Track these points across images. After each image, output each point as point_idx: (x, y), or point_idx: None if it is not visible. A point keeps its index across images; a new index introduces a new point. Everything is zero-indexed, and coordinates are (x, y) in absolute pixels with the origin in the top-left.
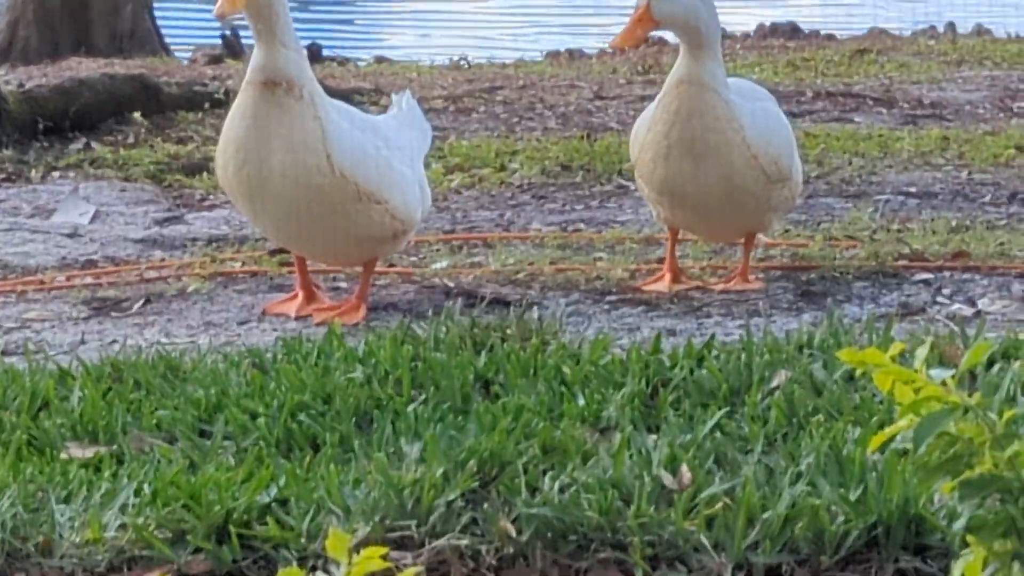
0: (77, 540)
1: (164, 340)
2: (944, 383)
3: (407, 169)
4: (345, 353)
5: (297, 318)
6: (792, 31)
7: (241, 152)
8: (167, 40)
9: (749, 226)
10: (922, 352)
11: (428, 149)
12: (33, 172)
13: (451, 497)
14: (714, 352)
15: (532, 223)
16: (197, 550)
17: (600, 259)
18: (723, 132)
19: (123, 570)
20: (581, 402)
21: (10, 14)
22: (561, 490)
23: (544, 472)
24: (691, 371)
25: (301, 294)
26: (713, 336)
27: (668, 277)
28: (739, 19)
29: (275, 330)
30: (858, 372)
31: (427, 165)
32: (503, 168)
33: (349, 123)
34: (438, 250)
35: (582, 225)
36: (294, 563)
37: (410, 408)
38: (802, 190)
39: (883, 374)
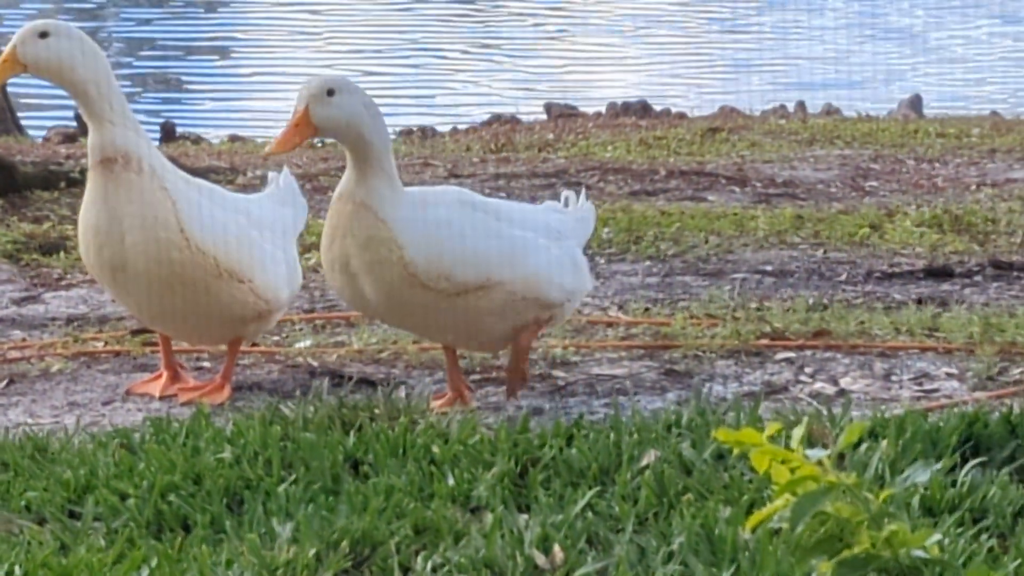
0: None
1: (29, 420)
2: (820, 463)
3: (273, 247)
4: (214, 433)
5: (162, 398)
6: (643, 109)
7: (98, 235)
8: (20, 118)
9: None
10: (798, 432)
11: (301, 226)
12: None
13: None
14: (583, 431)
15: None
16: None
17: None
18: (376, 251)
19: None
20: (451, 482)
21: None
22: (434, 570)
23: (416, 552)
24: (560, 450)
25: (165, 374)
26: (581, 415)
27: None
28: (591, 94)
29: (140, 410)
30: (732, 451)
31: None
32: None
33: (208, 199)
34: (301, 329)
35: None
36: None
37: (281, 488)
38: (575, 304)
39: (760, 454)
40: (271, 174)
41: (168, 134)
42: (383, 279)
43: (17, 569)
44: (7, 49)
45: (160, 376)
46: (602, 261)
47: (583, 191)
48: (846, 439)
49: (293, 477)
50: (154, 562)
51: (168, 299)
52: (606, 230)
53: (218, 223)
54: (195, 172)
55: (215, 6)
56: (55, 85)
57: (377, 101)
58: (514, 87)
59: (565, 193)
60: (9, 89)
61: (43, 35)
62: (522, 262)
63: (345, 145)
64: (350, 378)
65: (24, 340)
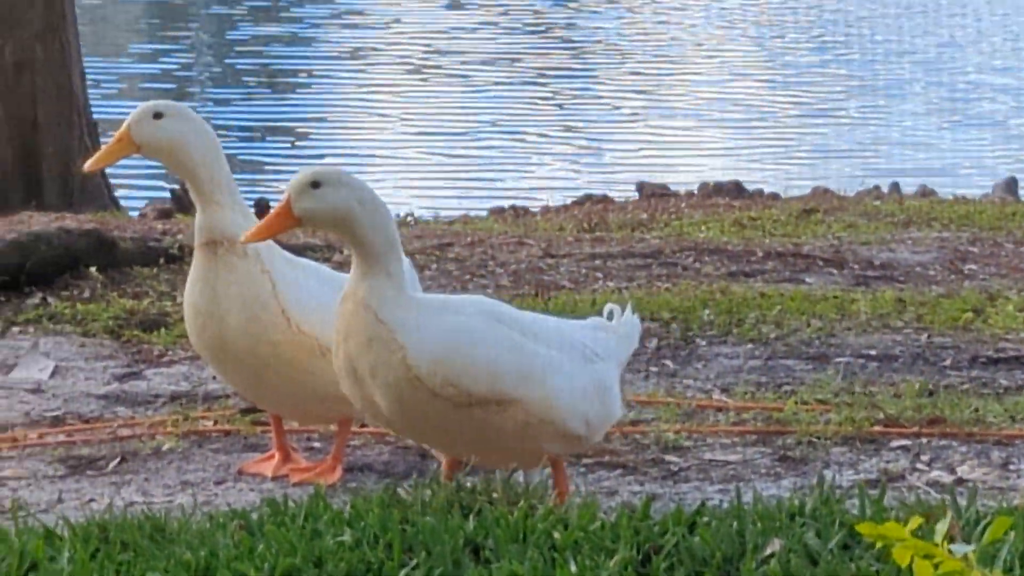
0: None
1: (141, 499)
2: (966, 558)
3: None
4: (332, 516)
5: (274, 478)
6: (736, 189)
7: (200, 316)
8: (117, 194)
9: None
10: (942, 527)
11: None
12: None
13: None
14: (705, 518)
15: None
16: None
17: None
18: (378, 352)
19: None
20: (574, 568)
21: None
22: None
23: None
24: (683, 537)
25: (277, 454)
26: (703, 503)
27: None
28: (682, 177)
29: (252, 490)
30: (859, 541)
31: None
32: None
33: (310, 279)
34: None
35: None
36: None
37: (403, 572)
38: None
39: (902, 548)
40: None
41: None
42: (388, 383)
43: None
44: (121, 129)
45: (272, 456)
46: (703, 343)
47: (628, 305)
48: (992, 533)
49: (415, 562)
50: None
51: (271, 378)
52: (707, 311)
53: (319, 303)
54: (292, 249)
55: (291, 87)
56: (166, 167)
57: (457, 183)
58: (597, 169)
59: (610, 306)
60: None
61: (157, 116)
62: (540, 381)
63: (344, 240)
64: (466, 463)
65: (132, 417)
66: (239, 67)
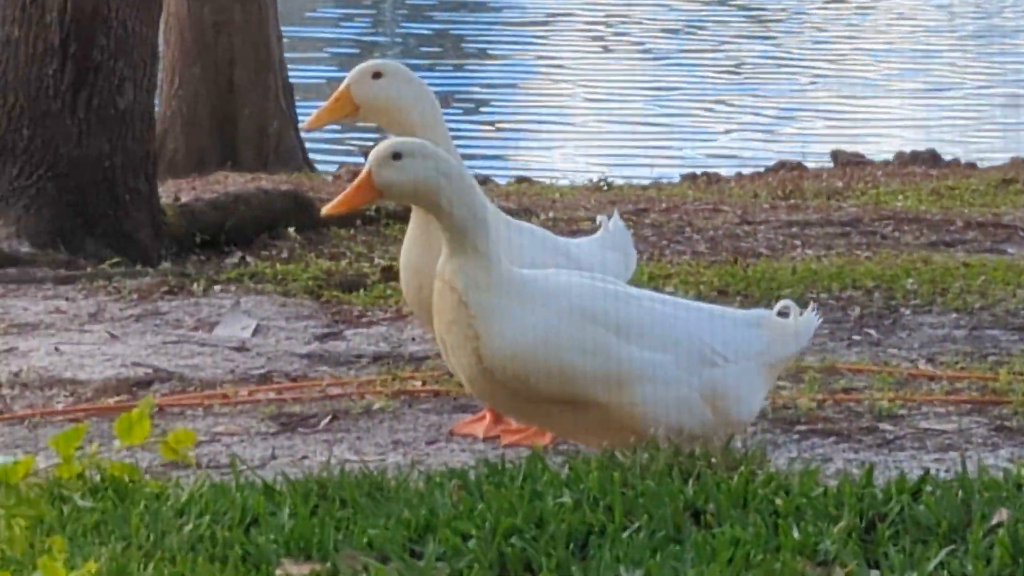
0: None
1: (354, 457)
2: None
3: None
4: (550, 477)
5: (485, 439)
6: (932, 159)
7: (418, 275)
8: (313, 157)
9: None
10: None
11: (631, 274)
12: (195, 285)
13: None
14: (928, 487)
15: None
16: None
17: (784, 388)
18: (456, 335)
19: None
20: (796, 535)
21: (159, 127)
22: None
23: None
24: (907, 505)
25: (488, 415)
26: (927, 471)
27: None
28: (871, 147)
29: (463, 450)
30: None
31: None
32: (658, 292)
33: (528, 241)
34: None
35: None
36: None
37: (625, 535)
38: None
39: None
40: (600, 218)
41: None
42: (463, 365)
43: None
44: (340, 89)
45: (483, 418)
46: (907, 312)
47: (811, 304)
48: None
49: (636, 525)
50: None
51: None
52: (909, 281)
53: (534, 265)
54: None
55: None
56: (384, 127)
57: (638, 150)
58: (783, 137)
59: (784, 303)
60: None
61: (377, 75)
62: (624, 387)
63: (432, 215)
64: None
65: (340, 377)
66: (422, 33)
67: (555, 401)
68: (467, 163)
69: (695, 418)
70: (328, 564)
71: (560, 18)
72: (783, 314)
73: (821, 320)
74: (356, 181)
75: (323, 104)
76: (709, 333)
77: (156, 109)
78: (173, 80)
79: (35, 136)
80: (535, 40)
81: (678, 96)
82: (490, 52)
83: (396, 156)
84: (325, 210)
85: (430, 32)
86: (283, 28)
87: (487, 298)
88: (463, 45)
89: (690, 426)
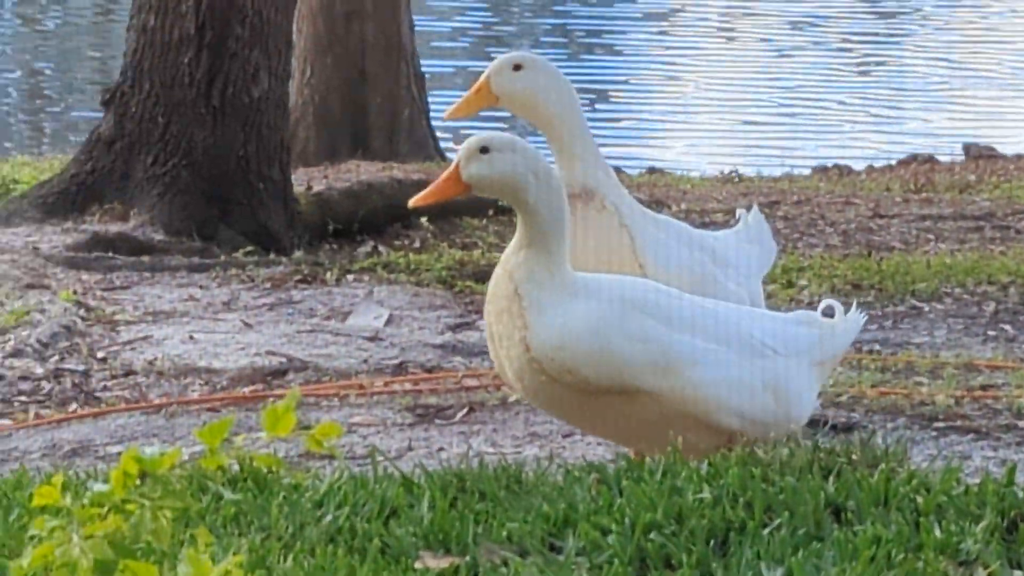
0: None
1: (491, 449)
2: None
3: (735, 286)
4: (690, 473)
5: None
6: None
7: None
8: (444, 146)
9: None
10: None
11: (769, 266)
12: (328, 274)
13: None
14: None
15: None
16: None
17: (921, 384)
18: (505, 324)
19: None
20: (938, 534)
21: (291, 116)
22: None
23: None
24: None
25: None
26: None
27: None
28: (1011, 140)
29: (599, 444)
30: None
31: None
32: (791, 284)
33: (668, 235)
34: None
35: (876, 346)
36: None
37: (765, 532)
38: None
39: None
40: (740, 211)
41: None
42: (511, 357)
43: None
44: (480, 80)
45: None
46: None
47: (854, 304)
48: None
49: (777, 521)
50: None
51: None
52: None
53: (676, 260)
54: None
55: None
56: (525, 119)
57: (763, 142)
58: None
59: (829, 302)
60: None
61: (517, 67)
62: (675, 372)
63: (515, 208)
64: (825, 423)
65: (475, 368)
66: (540, 26)
67: (602, 393)
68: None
69: (756, 403)
70: (467, 558)
71: (680, 13)
72: (827, 314)
73: (866, 318)
74: (444, 174)
75: (462, 95)
76: (759, 329)
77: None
78: (305, 70)
79: (170, 124)
80: (655, 34)
81: (805, 89)
82: (607, 45)
83: (484, 150)
84: (412, 202)
85: (548, 25)
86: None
87: (542, 294)
88: (581, 39)
89: (751, 412)
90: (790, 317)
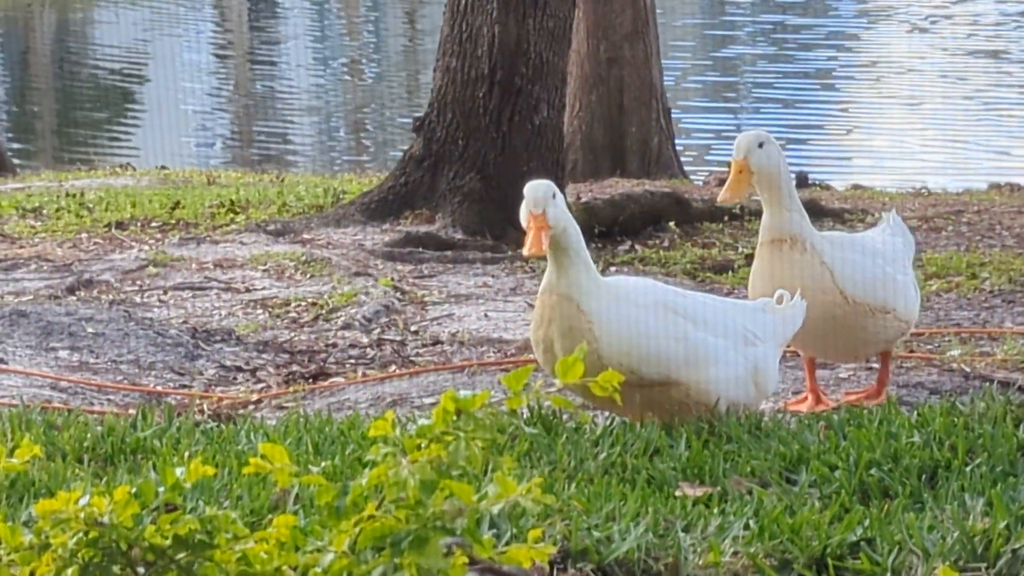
0: (700, 563)
1: None
2: None
3: (903, 276)
4: (903, 420)
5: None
6: None
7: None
8: (685, 167)
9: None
10: None
11: (912, 254)
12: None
13: (1016, 546)
14: None
15: (1005, 322)
16: None
17: None
18: (575, 339)
19: None
20: None
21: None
22: None
23: None
24: None
25: (811, 396)
26: None
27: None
28: None
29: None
30: None
31: None
32: (974, 276)
33: (849, 251)
34: (949, 340)
35: None
36: None
37: (968, 469)
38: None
39: None
40: (884, 214)
41: (801, 182)
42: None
43: (752, 523)
44: (738, 160)
45: (806, 398)
46: None
47: (798, 292)
48: None
49: (977, 461)
50: (867, 523)
51: (830, 340)
52: None
53: (867, 274)
54: (831, 212)
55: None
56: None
57: (948, 161)
58: None
59: (780, 291)
60: (676, 144)
61: (760, 144)
62: (703, 367)
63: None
64: (1016, 384)
65: None
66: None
67: (646, 385)
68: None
69: (746, 393)
70: (718, 487)
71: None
72: (779, 301)
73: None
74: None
75: (728, 181)
76: (744, 319)
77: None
78: (575, 105)
79: (468, 146)
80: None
81: (986, 111)
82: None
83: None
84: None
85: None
86: None
87: (598, 303)
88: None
89: (741, 400)
90: (757, 305)
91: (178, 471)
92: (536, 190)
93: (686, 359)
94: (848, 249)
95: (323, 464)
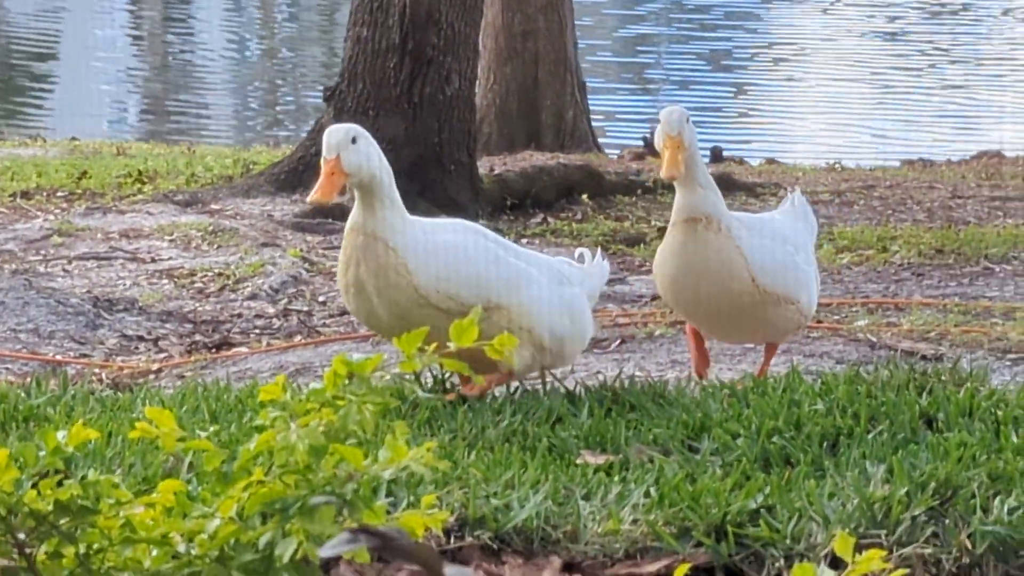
0: (599, 531)
1: (640, 373)
2: None
3: (809, 267)
4: (806, 388)
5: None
6: None
7: (675, 284)
8: (599, 139)
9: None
10: None
11: (815, 238)
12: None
13: (915, 513)
14: None
15: (913, 295)
16: (698, 544)
17: (997, 324)
18: (387, 277)
19: (636, 558)
20: (1015, 439)
21: (478, 115)
22: (1010, 512)
23: (992, 496)
24: None
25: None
26: None
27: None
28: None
29: (729, 369)
30: None
31: (820, 246)
32: (885, 250)
33: (761, 236)
34: (856, 311)
35: (956, 298)
36: (781, 560)
37: (870, 436)
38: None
39: None
40: (787, 195)
41: (716, 156)
42: (395, 301)
43: (652, 490)
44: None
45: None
46: None
47: (599, 251)
48: None
49: (879, 428)
50: (767, 490)
51: (732, 326)
52: None
53: (778, 263)
54: (744, 186)
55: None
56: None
57: (858, 137)
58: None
59: (580, 250)
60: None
61: (688, 120)
62: (521, 290)
63: (360, 188)
64: (919, 354)
65: (627, 310)
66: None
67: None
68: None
69: (563, 325)
70: (620, 455)
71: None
72: (580, 260)
73: (609, 264)
74: (326, 170)
75: (667, 159)
76: (554, 264)
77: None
78: (489, 77)
79: (378, 117)
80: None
81: (890, 92)
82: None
83: (354, 140)
84: (310, 199)
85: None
86: None
87: (410, 241)
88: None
89: (558, 329)
90: (558, 260)
91: (59, 435)
92: (332, 135)
93: (505, 281)
94: (761, 234)
95: (211, 430)
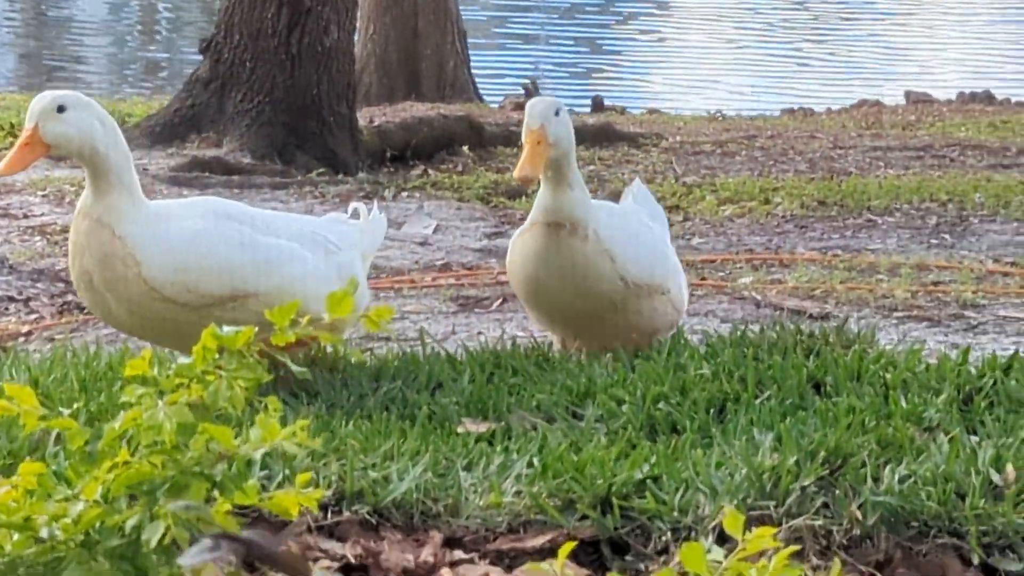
0: (480, 504)
1: (522, 334)
2: None
3: (674, 257)
4: (691, 351)
5: None
6: (988, 98)
7: (532, 286)
8: (480, 89)
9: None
10: None
11: (666, 226)
12: (386, 192)
13: (805, 483)
14: (1017, 364)
15: (797, 248)
16: (583, 517)
17: (882, 280)
18: (114, 268)
19: (520, 531)
20: (904, 404)
21: (357, 66)
22: (900, 481)
23: (883, 464)
24: (1000, 381)
25: None
26: (1017, 351)
27: None
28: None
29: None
30: None
31: (702, 199)
32: (767, 202)
33: (624, 228)
34: (741, 267)
35: (839, 251)
36: (668, 534)
37: (757, 402)
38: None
39: None
40: (626, 188)
41: (597, 106)
42: (124, 295)
43: (535, 461)
44: (533, 131)
45: None
46: (976, 221)
47: (375, 204)
48: None
49: (767, 393)
50: (653, 460)
51: (599, 327)
52: (977, 195)
53: (645, 254)
54: (627, 136)
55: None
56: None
57: (738, 87)
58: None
59: (355, 205)
60: (471, 66)
61: (557, 112)
62: (276, 271)
63: (84, 162)
64: (806, 313)
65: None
66: None
67: (217, 304)
68: (604, 95)
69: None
70: (502, 423)
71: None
72: (355, 216)
73: (385, 218)
74: (22, 139)
75: (524, 155)
76: (320, 228)
77: (355, 49)
78: (368, 27)
79: (256, 68)
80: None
81: (771, 42)
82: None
83: (61, 109)
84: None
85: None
86: None
87: (137, 229)
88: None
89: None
90: (333, 218)
91: None
92: (35, 102)
93: (256, 266)
94: (624, 225)
95: (77, 405)
